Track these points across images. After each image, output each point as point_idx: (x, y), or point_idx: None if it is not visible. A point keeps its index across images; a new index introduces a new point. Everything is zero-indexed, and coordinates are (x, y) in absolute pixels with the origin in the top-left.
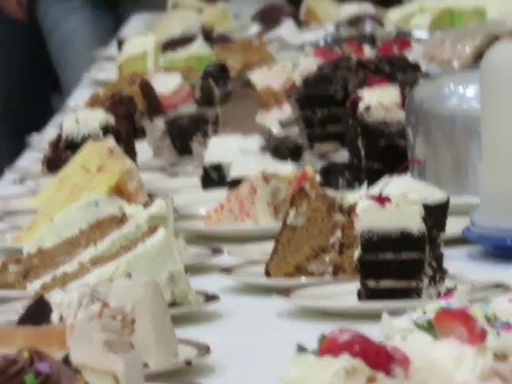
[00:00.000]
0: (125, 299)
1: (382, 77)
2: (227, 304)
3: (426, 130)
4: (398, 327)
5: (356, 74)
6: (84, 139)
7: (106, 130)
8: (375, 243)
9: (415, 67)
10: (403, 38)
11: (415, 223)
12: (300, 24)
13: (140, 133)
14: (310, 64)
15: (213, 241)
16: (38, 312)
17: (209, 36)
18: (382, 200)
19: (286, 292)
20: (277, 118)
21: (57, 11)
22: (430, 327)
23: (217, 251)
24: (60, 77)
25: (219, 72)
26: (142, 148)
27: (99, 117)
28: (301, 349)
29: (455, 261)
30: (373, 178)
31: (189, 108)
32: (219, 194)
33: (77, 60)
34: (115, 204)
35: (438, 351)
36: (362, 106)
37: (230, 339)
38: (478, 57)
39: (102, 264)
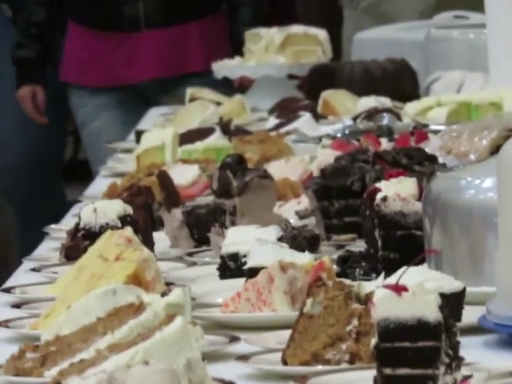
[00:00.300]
0: None
1: (400, 169)
2: None
3: (442, 220)
4: None
5: (373, 166)
6: (102, 229)
7: (124, 220)
8: (392, 331)
9: (432, 159)
10: (420, 131)
11: (432, 312)
12: (317, 117)
13: (158, 223)
14: (327, 156)
15: (230, 329)
16: None
17: (227, 128)
18: (398, 289)
19: (302, 379)
20: (294, 209)
21: (87, 107)
22: None
23: (234, 339)
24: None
25: (237, 163)
26: (160, 238)
27: (117, 207)
28: None
29: (471, 349)
30: (390, 269)
31: (206, 199)
32: (236, 284)
33: (103, 156)
34: (133, 293)
35: None
36: (379, 196)
37: None
38: (495, 149)
39: (120, 351)
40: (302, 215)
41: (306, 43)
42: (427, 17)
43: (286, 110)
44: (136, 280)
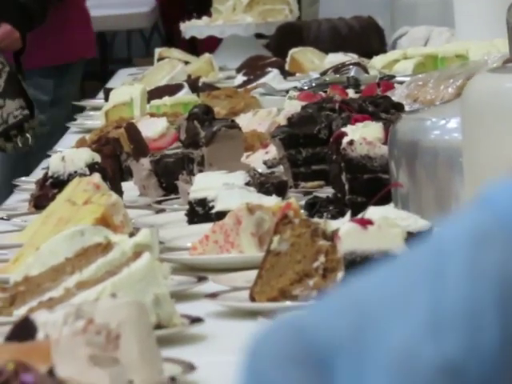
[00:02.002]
0: (110, 317)
1: (366, 115)
2: (212, 327)
3: (408, 162)
4: None
5: (340, 114)
6: (70, 177)
7: (93, 167)
8: (358, 265)
9: (399, 107)
10: (387, 82)
11: (397, 245)
12: (285, 74)
13: (126, 173)
14: (294, 107)
15: (198, 271)
16: (23, 331)
17: (195, 85)
18: (364, 223)
19: (270, 315)
20: (262, 159)
21: None
22: None
23: (202, 279)
24: None
25: (204, 114)
26: (129, 187)
27: (85, 155)
28: None
29: None
30: (357, 212)
31: (175, 150)
32: (205, 228)
33: None
34: (101, 233)
35: None
36: (345, 140)
37: (215, 359)
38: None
39: (88, 288)
40: (269, 164)
41: (273, 2)
42: None
43: (253, 68)
44: (104, 223)
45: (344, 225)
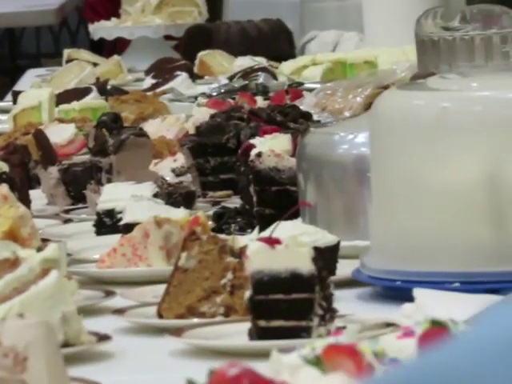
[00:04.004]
0: (17, 338)
1: (274, 125)
2: (120, 344)
3: (317, 176)
4: (287, 363)
5: (248, 124)
6: None
7: (0, 177)
8: (266, 284)
9: (307, 116)
10: (295, 89)
11: (305, 264)
12: (194, 77)
13: (34, 181)
14: (203, 114)
15: (106, 284)
16: None
17: (103, 88)
18: (272, 242)
19: (178, 332)
20: (170, 167)
21: None
22: (318, 362)
23: (109, 294)
24: None
25: (113, 122)
26: (37, 196)
27: None
28: (190, 383)
29: (345, 302)
30: (265, 224)
31: (83, 158)
32: (113, 240)
33: None
34: (8, 248)
35: None
36: (253, 152)
37: (122, 377)
38: (369, 106)
39: None
40: (177, 172)
41: (182, 4)
42: None
43: (162, 70)
44: (12, 236)
45: (252, 243)
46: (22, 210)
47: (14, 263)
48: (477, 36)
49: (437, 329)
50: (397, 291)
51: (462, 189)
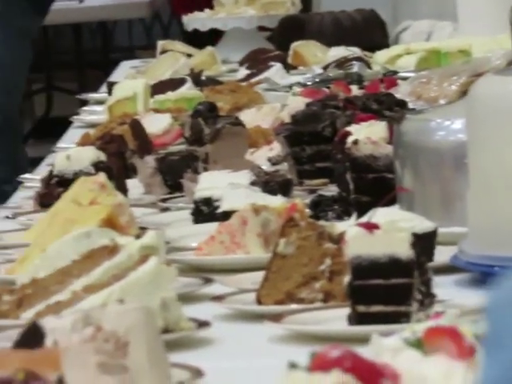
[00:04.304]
0: (118, 324)
1: (370, 114)
2: (219, 331)
3: (413, 163)
4: (388, 346)
5: (344, 112)
6: (75, 175)
7: (97, 166)
8: (364, 269)
9: (402, 104)
10: (390, 78)
11: (403, 249)
12: (288, 68)
13: (131, 171)
14: (298, 103)
15: (204, 272)
16: (32, 337)
17: (198, 79)
18: (370, 227)
19: (277, 318)
20: (266, 156)
21: None
22: (419, 344)
23: (208, 281)
24: None
25: (208, 111)
26: (134, 185)
27: (90, 154)
28: (292, 366)
29: (444, 288)
30: (361, 211)
31: (179, 147)
32: (210, 228)
33: None
34: (107, 235)
35: (428, 367)
36: (350, 140)
37: (222, 363)
38: (464, 94)
39: (95, 292)
40: (274, 161)
41: None
42: None
43: (256, 61)
44: (110, 224)
45: (351, 229)
46: (119, 198)
47: (112, 250)
48: None
49: None
50: (494, 277)
51: None
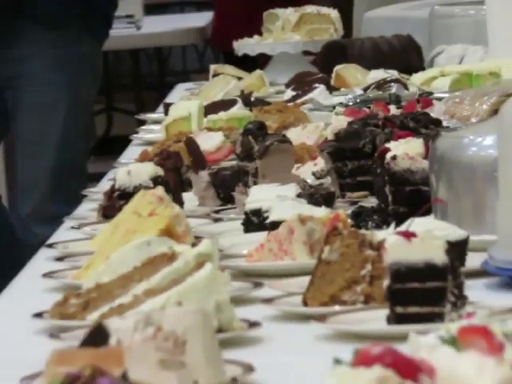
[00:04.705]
0: (177, 324)
1: (407, 131)
2: (268, 330)
3: (447, 176)
4: (425, 343)
5: (383, 130)
6: (135, 189)
7: (156, 180)
8: (402, 274)
9: (437, 122)
10: (426, 98)
11: (439, 255)
12: (331, 89)
13: (186, 185)
14: (340, 122)
15: (254, 277)
16: (97, 337)
17: (247, 100)
18: (408, 235)
19: (322, 319)
20: (311, 171)
21: None
22: (453, 342)
23: (258, 285)
24: None
25: (258, 129)
26: (189, 198)
27: (149, 169)
28: (337, 362)
29: (475, 291)
30: (399, 221)
31: (230, 163)
32: (259, 237)
33: None
34: (165, 244)
35: (461, 362)
36: (388, 156)
37: (272, 360)
38: (494, 112)
39: (155, 295)
40: (318, 175)
41: (319, 22)
42: None
43: (301, 83)
44: (168, 234)
45: (390, 237)
46: (176, 209)
47: (171, 257)
48: None
49: None
50: None
51: None
